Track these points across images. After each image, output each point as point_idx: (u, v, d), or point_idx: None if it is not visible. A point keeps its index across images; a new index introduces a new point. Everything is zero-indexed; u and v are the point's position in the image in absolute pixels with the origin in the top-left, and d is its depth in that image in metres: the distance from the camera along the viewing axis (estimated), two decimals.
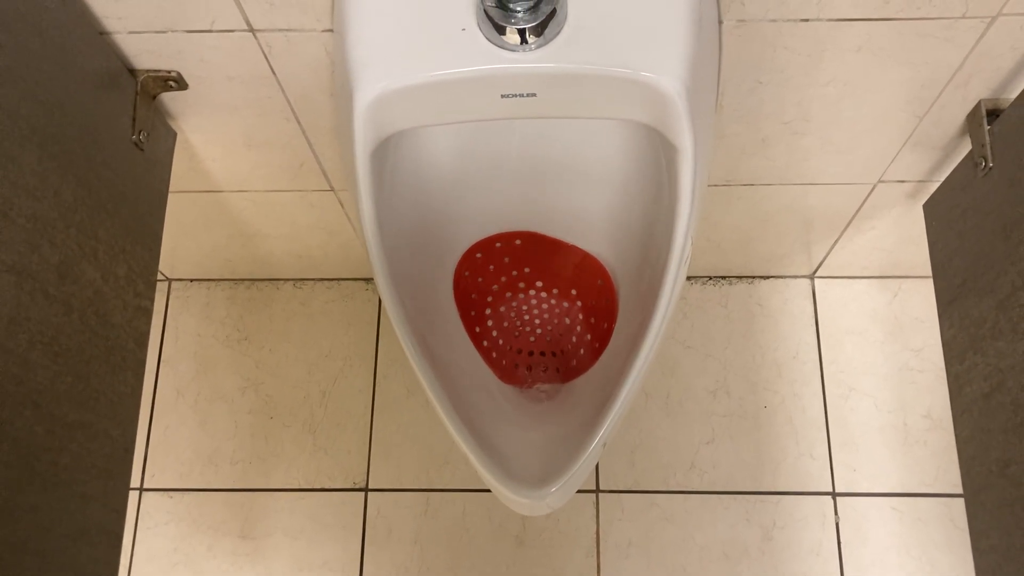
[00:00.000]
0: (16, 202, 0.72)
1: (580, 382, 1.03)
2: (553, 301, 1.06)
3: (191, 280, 1.51)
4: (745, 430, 1.37)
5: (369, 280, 1.49)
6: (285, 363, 1.45)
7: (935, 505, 1.32)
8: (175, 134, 1.03)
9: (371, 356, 1.45)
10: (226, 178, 1.15)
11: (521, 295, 1.07)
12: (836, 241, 1.32)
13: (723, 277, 1.45)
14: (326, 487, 1.37)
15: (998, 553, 0.93)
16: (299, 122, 1.02)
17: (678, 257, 0.83)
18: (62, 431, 0.77)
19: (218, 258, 1.42)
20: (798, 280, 1.45)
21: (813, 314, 1.43)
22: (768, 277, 1.45)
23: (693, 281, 1.46)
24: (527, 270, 1.05)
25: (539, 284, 1.06)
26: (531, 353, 1.06)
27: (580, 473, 0.87)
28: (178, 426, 1.42)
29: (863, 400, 1.38)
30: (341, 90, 0.79)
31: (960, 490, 1.29)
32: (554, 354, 1.07)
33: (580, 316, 1.05)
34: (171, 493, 1.38)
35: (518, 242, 1.03)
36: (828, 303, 1.44)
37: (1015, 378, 0.89)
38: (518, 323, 1.07)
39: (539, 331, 1.07)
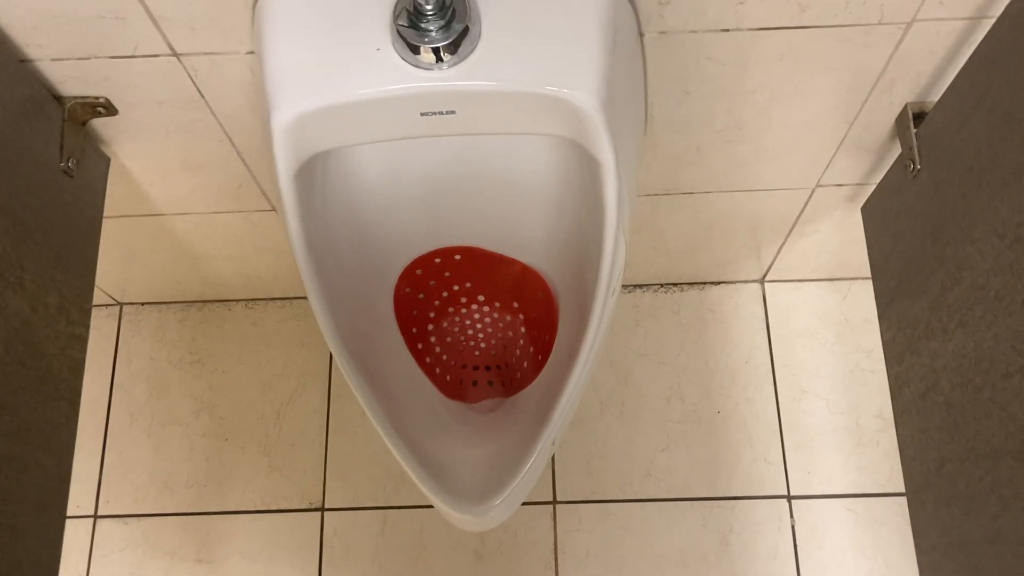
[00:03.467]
0: None
1: (524, 395, 1.03)
2: (496, 315, 1.07)
3: (142, 304, 1.50)
4: (700, 436, 1.37)
5: None
6: (238, 384, 1.44)
7: (889, 505, 1.33)
8: (108, 160, 1.03)
9: (325, 375, 1.44)
10: (166, 201, 1.14)
11: (463, 310, 1.07)
12: (782, 245, 1.33)
13: (675, 284, 1.46)
14: (282, 508, 1.37)
15: (938, 551, 0.94)
16: (233, 144, 1.02)
17: (608, 266, 0.84)
18: None
19: (168, 281, 1.41)
20: (748, 285, 1.46)
21: (764, 318, 1.44)
22: (719, 283, 1.46)
23: (644, 289, 1.46)
24: (468, 285, 1.05)
25: (481, 298, 1.06)
26: (475, 368, 1.06)
27: (522, 486, 0.88)
28: (132, 451, 1.41)
29: (815, 402, 1.39)
30: (261, 111, 0.79)
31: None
32: (499, 367, 1.07)
33: (523, 329, 1.06)
34: (126, 519, 1.37)
35: (458, 257, 1.03)
36: (779, 307, 1.44)
37: (947, 377, 0.90)
38: (461, 338, 1.07)
39: (483, 345, 1.07)
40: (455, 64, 0.72)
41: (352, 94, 0.73)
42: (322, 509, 1.36)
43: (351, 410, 1.41)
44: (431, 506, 1.35)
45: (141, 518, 1.37)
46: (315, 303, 0.85)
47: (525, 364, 1.04)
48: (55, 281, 0.89)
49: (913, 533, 1.00)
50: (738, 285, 1.46)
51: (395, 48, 0.73)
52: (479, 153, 0.95)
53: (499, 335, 1.07)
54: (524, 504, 1.34)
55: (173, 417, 1.43)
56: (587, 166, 0.87)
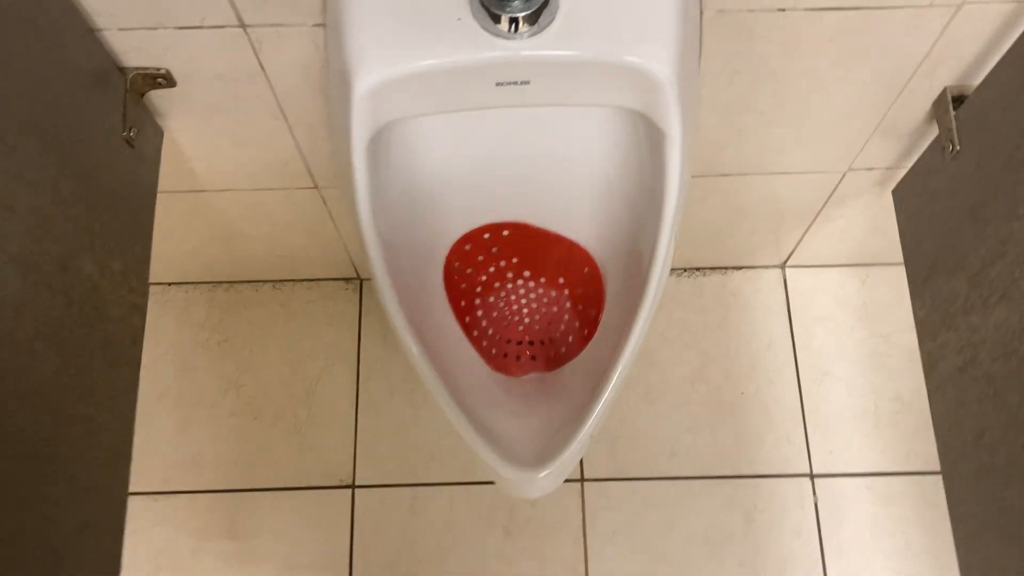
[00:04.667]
0: (19, 194, 0.72)
1: (569, 369, 1.05)
2: (541, 291, 1.09)
3: (169, 284, 1.50)
4: (723, 417, 1.40)
5: (349, 280, 1.50)
6: (267, 364, 1.45)
7: (907, 483, 1.36)
8: (162, 132, 1.04)
9: (353, 355, 1.45)
10: (211, 177, 1.15)
11: (509, 285, 1.09)
12: (806, 231, 1.36)
13: (697, 269, 1.49)
14: (313, 485, 1.38)
15: (976, 519, 0.97)
16: (286, 119, 1.03)
17: (667, 241, 0.86)
18: (66, 424, 0.78)
19: (197, 261, 1.42)
20: (769, 270, 1.49)
21: (785, 303, 1.47)
22: (740, 268, 1.49)
23: (674, 276, 1.49)
24: (515, 260, 1.07)
25: (527, 274, 1.08)
26: (519, 343, 1.08)
27: (575, 454, 0.90)
28: (160, 430, 1.42)
29: (836, 385, 1.42)
30: (337, 81, 0.80)
31: (930, 468, 1.34)
32: (542, 343, 1.09)
33: (568, 304, 1.08)
34: (156, 496, 1.37)
35: (506, 233, 1.05)
36: (799, 292, 1.48)
37: (987, 351, 0.93)
38: (507, 313, 1.09)
39: (527, 320, 1.09)
40: (534, 34, 0.75)
41: (432, 62, 0.75)
42: (352, 486, 1.38)
43: (380, 390, 1.43)
44: (460, 483, 1.38)
45: (171, 495, 1.38)
46: (377, 273, 0.87)
47: (570, 339, 1.06)
48: (119, 248, 0.90)
49: (948, 503, 1.03)
50: (759, 270, 1.49)
51: (475, 17, 0.75)
52: (535, 130, 0.97)
53: (543, 311, 1.09)
54: None
55: (201, 397, 1.44)
56: (647, 141, 0.89)
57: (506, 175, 1.01)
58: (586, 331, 1.05)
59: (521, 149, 0.99)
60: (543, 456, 0.90)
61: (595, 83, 0.77)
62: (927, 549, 1.33)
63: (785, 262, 1.48)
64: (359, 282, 1.50)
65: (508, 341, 1.08)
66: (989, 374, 0.93)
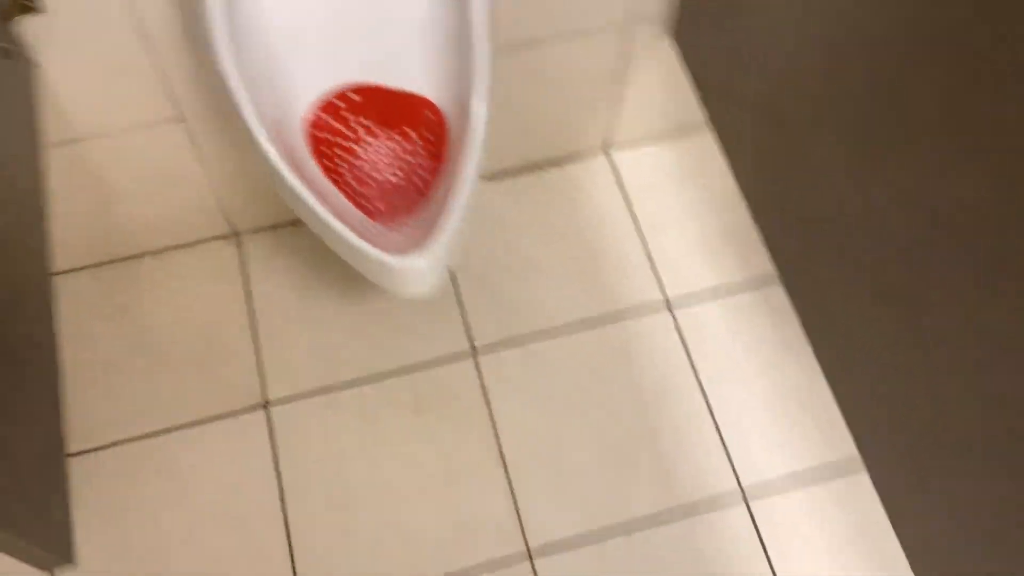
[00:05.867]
0: None
1: (433, 202, 1.22)
2: (393, 144, 1.25)
3: (55, 274, 1.58)
4: (584, 274, 1.60)
5: (227, 237, 1.62)
6: (166, 324, 1.55)
7: (751, 295, 1.58)
8: (36, 65, 1.16)
9: (243, 299, 1.57)
10: (84, 120, 1.27)
11: (366, 146, 1.25)
12: (616, 107, 1.60)
13: (537, 165, 1.70)
14: (227, 413, 1.47)
15: (789, 247, 1.18)
16: (147, 35, 1.18)
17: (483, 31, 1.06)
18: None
19: (80, 238, 1.51)
20: (597, 158, 1.72)
21: (616, 180, 1.70)
22: (572, 160, 1.71)
23: (515, 178, 1.69)
24: (365, 121, 1.24)
25: (380, 133, 1.25)
26: (384, 193, 1.24)
27: (449, 239, 1.06)
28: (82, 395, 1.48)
29: (672, 228, 1.65)
30: None
31: (763, 273, 1.56)
32: (404, 189, 1.25)
33: (422, 150, 1.25)
34: (93, 453, 1.43)
35: (356, 97, 1.22)
36: (626, 168, 1.71)
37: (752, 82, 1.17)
38: (368, 169, 1.25)
39: (387, 174, 1.25)
40: None
41: None
42: (266, 405, 1.48)
43: (277, 318, 1.55)
44: (366, 377, 1.50)
45: (103, 449, 1.44)
46: (245, 111, 1.03)
47: (429, 176, 1.23)
48: (23, 156, 1.02)
49: (764, 242, 1.23)
50: (588, 161, 1.71)
51: None
52: None
53: (401, 160, 1.25)
54: (446, 363, 1.51)
55: (107, 362, 1.51)
56: None
57: (349, 38, 1.19)
58: (438, 162, 1.22)
59: (357, 12, 1.17)
60: (422, 245, 1.06)
61: None
62: (782, 343, 1.54)
63: (608, 148, 1.71)
64: (236, 238, 1.63)
65: (373, 197, 1.24)
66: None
